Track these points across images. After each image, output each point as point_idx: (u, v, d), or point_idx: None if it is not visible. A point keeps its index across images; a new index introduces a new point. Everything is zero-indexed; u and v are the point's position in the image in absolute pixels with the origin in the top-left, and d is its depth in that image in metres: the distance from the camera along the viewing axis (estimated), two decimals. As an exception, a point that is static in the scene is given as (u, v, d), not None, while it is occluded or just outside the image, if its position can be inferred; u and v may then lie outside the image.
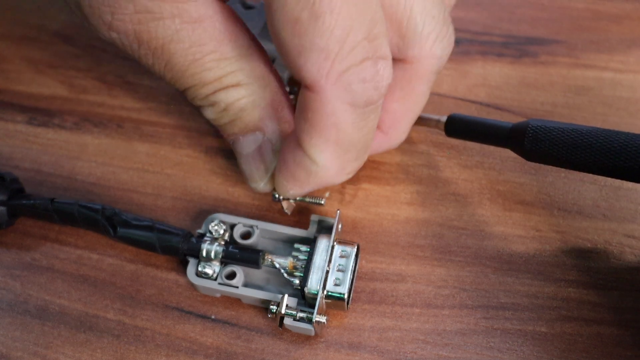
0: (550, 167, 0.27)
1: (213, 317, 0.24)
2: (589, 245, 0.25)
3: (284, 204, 0.25)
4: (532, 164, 0.27)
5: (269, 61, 0.23)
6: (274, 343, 0.23)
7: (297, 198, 0.25)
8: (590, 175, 0.27)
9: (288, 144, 0.22)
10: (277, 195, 0.24)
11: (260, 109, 0.23)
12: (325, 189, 0.27)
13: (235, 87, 0.22)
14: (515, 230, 0.25)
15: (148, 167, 0.28)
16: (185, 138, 0.29)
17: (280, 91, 0.23)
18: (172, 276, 0.25)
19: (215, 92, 0.22)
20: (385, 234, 0.26)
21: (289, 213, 0.25)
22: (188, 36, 0.20)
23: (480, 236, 0.25)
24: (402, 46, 0.22)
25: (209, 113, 0.23)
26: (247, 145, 0.24)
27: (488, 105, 0.29)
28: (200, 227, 0.26)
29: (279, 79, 0.23)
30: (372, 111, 0.20)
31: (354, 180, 0.27)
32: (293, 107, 0.23)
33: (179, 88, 0.22)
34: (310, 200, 0.25)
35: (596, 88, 0.29)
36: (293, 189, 0.23)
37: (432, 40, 0.22)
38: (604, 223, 0.25)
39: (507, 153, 0.27)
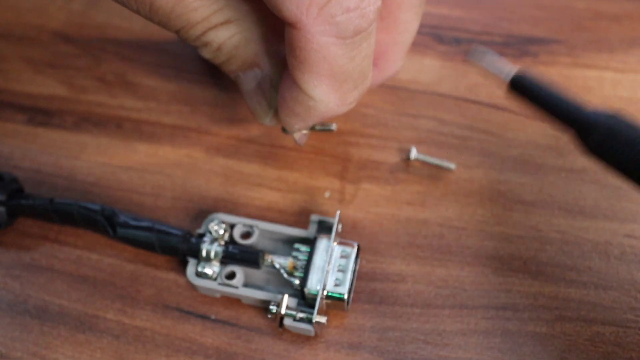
0: (551, 167, 0.27)
1: (213, 317, 0.24)
2: (589, 245, 0.25)
3: (295, 136, 0.24)
4: (533, 164, 0.27)
5: None
6: (273, 343, 0.23)
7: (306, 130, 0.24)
8: (591, 175, 0.27)
9: (284, 80, 0.21)
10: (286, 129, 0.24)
11: (254, 44, 0.22)
12: (326, 187, 0.27)
13: (225, 24, 0.21)
14: (516, 230, 0.25)
15: (148, 167, 0.28)
16: (185, 138, 0.29)
17: (277, 25, 0.22)
18: (172, 276, 0.25)
19: (205, 32, 0.21)
20: (385, 234, 0.26)
21: (302, 144, 0.25)
22: None
23: (480, 236, 0.25)
24: None
25: (205, 53, 0.22)
26: (247, 82, 0.23)
27: (488, 105, 0.29)
28: (199, 227, 0.26)
29: (271, 13, 0.22)
30: (363, 39, 0.19)
31: (354, 180, 0.27)
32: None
33: (169, 31, 0.21)
34: (320, 127, 0.25)
35: (597, 88, 0.29)
36: (297, 124, 0.22)
37: None
38: (604, 223, 0.25)
39: (508, 153, 0.27)
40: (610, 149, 0.20)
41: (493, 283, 0.24)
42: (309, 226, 0.25)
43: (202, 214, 0.26)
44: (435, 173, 0.27)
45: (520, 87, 0.22)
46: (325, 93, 0.20)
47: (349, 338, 0.23)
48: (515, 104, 0.29)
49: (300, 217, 0.26)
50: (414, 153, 0.27)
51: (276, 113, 0.24)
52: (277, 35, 0.22)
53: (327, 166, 0.27)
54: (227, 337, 0.23)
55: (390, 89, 0.30)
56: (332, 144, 0.28)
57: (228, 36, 0.21)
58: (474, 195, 0.26)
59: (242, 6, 0.21)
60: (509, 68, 0.23)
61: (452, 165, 0.27)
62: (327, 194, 0.27)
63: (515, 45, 0.31)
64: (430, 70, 0.30)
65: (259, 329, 0.24)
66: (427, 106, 0.29)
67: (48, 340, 0.24)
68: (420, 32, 0.32)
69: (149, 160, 0.28)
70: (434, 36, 0.32)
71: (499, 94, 0.29)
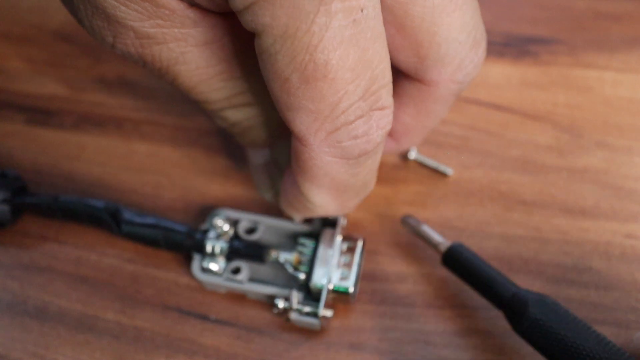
0: (551, 167, 0.27)
1: (213, 317, 0.24)
2: (590, 245, 0.25)
3: (296, 218, 0.25)
4: (533, 164, 0.27)
5: None
6: (273, 343, 0.23)
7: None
8: (592, 175, 0.26)
9: (287, 177, 0.22)
10: None
11: (268, 128, 0.22)
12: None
13: (243, 107, 0.21)
14: (516, 230, 0.25)
15: (148, 167, 0.28)
16: (185, 138, 0.29)
17: None
18: (172, 276, 0.25)
19: (223, 109, 0.21)
20: (385, 234, 0.25)
21: (298, 221, 0.25)
22: (194, 59, 0.19)
23: (481, 236, 0.25)
24: (419, 68, 0.20)
25: (219, 123, 0.22)
26: (255, 158, 0.24)
27: (488, 105, 0.29)
28: (204, 223, 0.26)
29: None
30: (368, 158, 0.19)
31: (354, 180, 0.27)
32: None
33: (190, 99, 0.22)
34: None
35: (597, 88, 0.29)
36: (295, 217, 0.23)
37: (455, 67, 0.20)
38: (605, 223, 0.25)
39: (508, 153, 0.27)
40: (537, 336, 0.20)
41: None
42: (313, 221, 0.25)
43: (202, 214, 0.26)
44: (435, 173, 0.27)
45: (452, 262, 0.23)
46: (326, 201, 0.21)
47: (349, 338, 0.23)
48: (515, 104, 0.29)
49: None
50: (413, 153, 0.27)
51: (277, 192, 0.24)
52: None
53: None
54: (227, 337, 0.23)
55: (390, 89, 0.30)
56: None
57: (244, 117, 0.22)
58: (474, 195, 0.26)
59: (263, 92, 0.21)
60: (442, 240, 0.23)
61: (449, 170, 0.27)
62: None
63: (515, 45, 0.31)
64: (430, 70, 0.30)
65: (259, 329, 0.24)
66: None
67: (47, 340, 0.24)
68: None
69: (149, 160, 0.28)
70: (434, 36, 0.31)
71: (499, 94, 0.29)
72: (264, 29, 0.16)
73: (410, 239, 0.25)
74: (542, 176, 0.27)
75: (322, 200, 0.21)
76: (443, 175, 0.27)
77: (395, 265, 0.25)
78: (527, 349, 0.22)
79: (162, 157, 0.28)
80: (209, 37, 0.19)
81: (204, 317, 0.24)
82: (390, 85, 0.18)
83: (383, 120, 0.18)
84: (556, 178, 0.27)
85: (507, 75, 0.30)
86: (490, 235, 0.25)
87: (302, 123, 0.18)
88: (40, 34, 0.33)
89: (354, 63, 0.16)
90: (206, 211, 0.26)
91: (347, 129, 0.18)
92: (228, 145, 0.28)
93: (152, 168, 0.28)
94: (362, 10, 0.16)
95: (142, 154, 0.28)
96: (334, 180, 0.19)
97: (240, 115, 0.22)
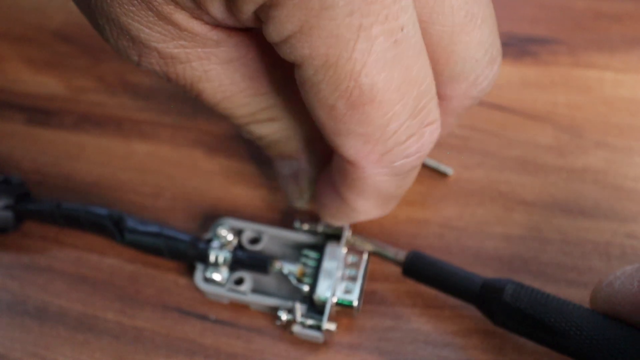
0: (551, 166, 0.27)
1: (213, 317, 0.24)
2: (590, 245, 0.25)
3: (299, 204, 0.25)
4: (533, 164, 0.27)
5: None
6: (273, 344, 0.23)
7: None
8: (592, 175, 0.26)
9: (325, 188, 0.22)
10: None
11: (295, 141, 0.22)
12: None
13: (269, 122, 0.21)
14: (516, 231, 0.25)
15: (148, 167, 0.28)
16: (185, 138, 0.29)
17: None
18: (172, 277, 0.25)
19: (248, 124, 0.21)
20: (385, 234, 0.25)
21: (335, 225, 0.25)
22: (217, 77, 0.19)
23: (481, 236, 0.25)
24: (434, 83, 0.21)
25: (246, 136, 0.23)
26: (283, 168, 0.24)
27: (488, 105, 0.29)
28: (203, 229, 0.26)
29: None
30: (414, 170, 0.19)
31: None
32: None
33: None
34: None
35: (597, 88, 0.29)
36: (336, 223, 0.23)
37: (470, 84, 0.20)
38: (605, 223, 0.25)
39: (508, 153, 0.27)
40: (516, 317, 0.20)
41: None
42: (317, 233, 0.24)
43: (203, 214, 0.26)
44: (435, 173, 0.27)
45: (413, 271, 0.23)
46: (370, 209, 0.21)
47: (349, 338, 0.23)
48: (516, 104, 0.29)
49: (300, 218, 0.26)
50: None
51: (308, 200, 0.25)
52: (319, 134, 0.22)
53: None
54: (227, 338, 0.23)
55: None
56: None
57: (270, 132, 0.22)
58: (474, 195, 0.26)
59: (290, 106, 0.21)
60: (397, 253, 0.23)
61: (449, 170, 0.27)
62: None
63: (515, 44, 0.31)
64: (430, 70, 0.30)
65: (259, 329, 0.24)
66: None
67: (47, 340, 0.24)
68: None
69: (149, 160, 0.28)
70: (434, 36, 0.31)
71: (499, 94, 0.29)
72: (304, 60, 0.16)
73: (409, 239, 0.25)
74: (542, 176, 0.27)
75: (367, 209, 0.21)
76: (443, 175, 0.27)
77: (395, 265, 0.25)
78: (527, 348, 0.22)
79: (162, 157, 0.28)
80: (231, 55, 0.19)
81: (204, 317, 0.24)
82: (436, 98, 0.18)
83: (434, 134, 0.18)
84: (556, 178, 0.27)
85: (507, 75, 0.30)
86: (490, 235, 0.25)
87: (352, 148, 0.18)
88: (40, 34, 0.33)
89: (399, 83, 0.16)
90: (206, 211, 0.26)
91: (399, 149, 0.18)
92: (228, 146, 0.28)
93: (152, 168, 0.28)
94: (402, 30, 0.16)
95: (142, 154, 0.28)
96: (382, 194, 0.20)
97: (266, 129, 0.22)
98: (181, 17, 0.17)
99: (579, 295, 0.24)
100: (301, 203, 0.25)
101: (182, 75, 0.19)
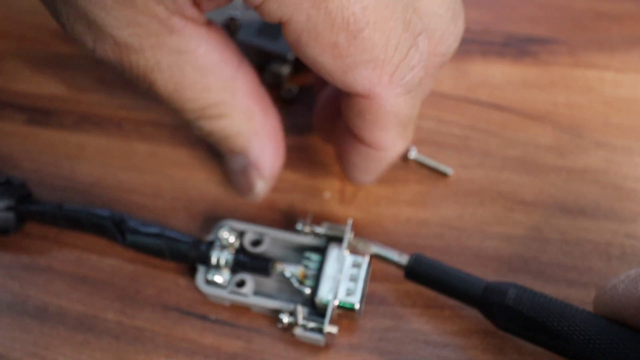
0: (551, 167, 0.27)
1: (213, 317, 0.24)
2: (590, 245, 0.25)
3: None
4: (533, 164, 0.27)
5: (258, 88, 0.23)
6: (273, 344, 0.23)
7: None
8: (592, 175, 0.26)
9: (347, 147, 0.22)
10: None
11: (243, 138, 0.23)
12: (326, 188, 0.27)
13: (217, 118, 0.22)
14: (516, 231, 0.25)
15: (148, 167, 0.28)
16: (185, 138, 0.29)
17: (268, 119, 0.23)
18: (172, 277, 0.25)
19: (197, 119, 0.22)
20: (385, 234, 0.25)
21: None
22: (169, 67, 0.20)
23: (481, 236, 0.25)
24: None
25: (195, 132, 0.23)
26: (233, 163, 0.24)
27: (489, 105, 0.29)
28: (203, 229, 0.26)
29: (265, 106, 0.23)
30: (422, 84, 0.20)
31: (354, 180, 0.27)
32: (280, 131, 0.24)
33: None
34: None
35: (597, 88, 0.29)
36: (370, 179, 0.24)
37: (437, 40, 0.21)
38: (605, 223, 0.25)
39: (508, 153, 0.27)
40: (518, 320, 0.20)
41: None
42: (320, 234, 0.24)
43: (203, 214, 0.26)
44: (435, 173, 0.27)
45: (415, 275, 0.23)
46: (396, 142, 0.22)
47: (349, 338, 0.23)
48: (516, 104, 0.29)
49: (300, 218, 0.26)
50: (413, 153, 0.27)
51: (258, 194, 0.25)
52: (267, 128, 0.23)
53: (327, 166, 0.27)
54: (227, 338, 0.23)
55: (390, 89, 0.30)
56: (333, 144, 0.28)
57: (219, 128, 0.22)
58: (474, 195, 0.26)
59: (239, 103, 0.22)
60: (400, 255, 0.23)
61: (449, 170, 0.27)
62: (327, 194, 0.27)
63: (515, 45, 0.31)
64: (430, 70, 0.30)
65: (259, 329, 0.24)
66: (427, 106, 0.29)
67: (47, 340, 0.24)
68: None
69: (149, 160, 0.28)
70: (434, 36, 0.31)
71: (499, 94, 0.29)
72: (293, 9, 0.16)
73: (409, 239, 0.25)
74: (542, 176, 0.27)
75: (393, 144, 0.21)
76: (443, 175, 0.27)
77: (395, 265, 0.25)
78: (527, 349, 0.22)
79: (162, 157, 0.28)
80: (183, 46, 0.19)
81: (204, 317, 0.24)
82: (415, 10, 0.18)
83: (425, 42, 0.19)
84: (556, 178, 0.27)
85: (507, 75, 0.30)
86: (490, 235, 0.25)
87: (364, 77, 0.18)
88: (40, 34, 0.33)
89: (382, 5, 0.17)
90: (206, 211, 0.26)
91: (405, 63, 0.18)
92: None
93: (152, 168, 0.28)
94: None
95: (142, 154, 0.28)
96: (401, 119, 0.20)
97: (215, 125, 0.22)
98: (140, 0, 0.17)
99: (579, 295, 0.24)
100: (251, 197, 0.25)
101: (136, 65, 0.20)
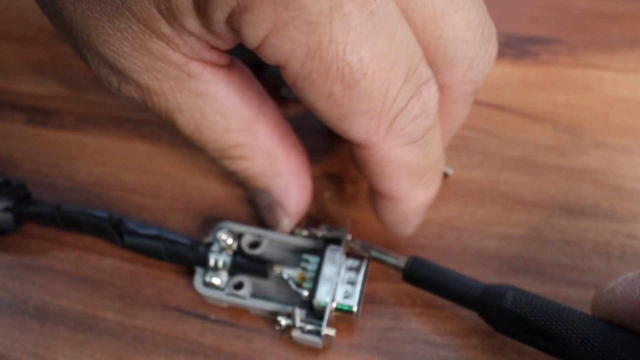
0: (551, 167, 0.27)
1: (213, 317, 0.24)
2: (590, 245, 0.25)
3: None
4: (533, 164, 0.27)
5: (281, 128, 0.22)
6: (274, 344, 0.23)
7: None
8: (592, 175, 0.26)
9: (373, 199, 0.22)
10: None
11: (266, 178, 0.23)
12: (326, 187, 0.27)
13: (239, 159, 0.22)
14: (516, 230, 0.25)
15: (148, 167, 0.28)
16: (185, 138, 0.29)
17: (292, 159, 0.23)
18: (172, 276, 0.25)
19: (220, 158, 0.22)
20: (385, 234, 0.25)
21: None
22: (189, 109, 0.20)
23: (481, 236, 0.25)
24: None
25: (222, 169, 0.23)
26: (258, 199, 0.24)
27: (488, 105, 0.29)
28: (203, 229, 0.26)
29: (289, 145, 0.23)
30: (432, 133, 0.19)
31: (355, 180, 0.27)
32: (308, 170, 0.24)
33: None
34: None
35: (597, 88, 0.29)
36: (408, 229, 0.23)
37: (466, 67, 0.20)
38: (605, 223, 0.25)
39: (508, 153, 0.27)
40: (516, 322, 0.20)
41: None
42: (317, 236, 0.24)
43: (203, 214, 0.26)
44: (435, 173, 0.27)
45: (414, 278, 0.23)
46: (412, 192, 0.21)
47: (349, 338, 0.23)
48: (516, 104, 0.29)
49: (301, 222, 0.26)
50: None
51: (284, 228, 0.24)
52: (291, 167, 0.23)
53: (327, 166, 0.27)
54: (227, 337, 0.23)
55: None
56: (332, 144, 0.28)
57: (241, 169, 0.22)
58: (474, 195, 0.26)
59: (260, 146, 0.22)
60: (398, 258, 0.23)
61: (449, 170, 0.27)
62: (327, 194, 0.27)
63: (515, 45, 0.31)
64: (430, 70, 0.30)
65: (259, 329, 0.24)
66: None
67: (47, 340, 0.24)
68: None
69: (149, 160, 0.28)
70: (434, 36, 0.31)
71: (499, 94, 0.29)
72: (288, 56, 0.16)
73: (409, 239, 0.25)
74: (542, 176, 0.27)
75: (410, 193, 0.21)
76: (443, 175, 0.27)
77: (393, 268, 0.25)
78: (527, 349, 0.22)
79: (162, 157, 0.28)
80: (203, 90, 0.20)
81: (204, 317, 0.24)
82: (424, 59, 0.18)
83: (431, 91, 0.18)
84: (556, 178, 0.27)
85: (507, 75, 0.30)
86: (490, 235, 0.25)
87: (361, 127, 0.18)
88: (40, 34, 0.33)
89: (386, 50, 0.16)
90: (206, 211, 0.26)
91: (404, 114, 0.18)
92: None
93: (152, 168, 0.28)
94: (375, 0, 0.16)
95: (142, 154, 0.28)
96: (410, 168, 0.20)
97: (237, 165, 0.22)
98: (157, 47, 0.18)
99: (579, 296, 0.24)
100: (280, 230, 0.25)
101: (158, 105, 0.20)
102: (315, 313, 0.23)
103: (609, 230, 0.25)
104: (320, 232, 0.24)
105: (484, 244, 0.25)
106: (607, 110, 0.28)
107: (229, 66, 0.20)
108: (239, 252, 0.24)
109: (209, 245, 0.24)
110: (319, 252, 0.24)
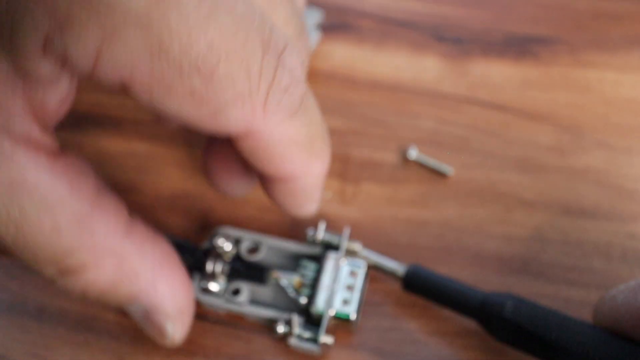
0: (551, 166, 0.27)
1: (213, 318, 0.24)
2: (590, 246, 0.25)
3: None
4: (533, 164, 0.27)
5: (126, 219, 0.19)
6: (274, 345, 0.23)
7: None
8: (593, 175, 0.26)
9: (276, 194, 0.20)
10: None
11: (123, 285, 0.18)
12: (326, 188, 0.27)
13: (82, 270, 0.17)
14: (516, 231, 0.25)
15: (147, 167, 0.28)
16: (185, 138, 0.29)
17: (150, 248, 0.19)
18: (172, 277, 0.25)
19: (59, 276, 0.17)
20: (385, 234, 0.25)
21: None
22: (3, 206, 0.16)
23: (481, 237, 0.25)
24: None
25: (72, 295, 0.20)
26: (132, 313, 0.20)
27: (489, 105, 0.29)
28: (202, 230, 0.26)
29: (140, 237, 0.19)
30: (307, 100, 0.18)
31: (354, 180, 0.27)
32: (174, 256, 0.20)
33: None
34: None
35: (598, 87, 0.29)
36: (308, 210, 0.21)
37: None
38: (606, 223, 0.25)
39: (508, 153, 0.27)
40: (516, 332, 0.20)
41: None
42: (317, 243, 0.24)
43: (202, 214, 0.26)
44: (435, 173, 0.27)
45: (413, 287, 0.23)
46: (309, 165, 0.19)
47: (349, 338, 0.23)
48: (516, 104, 0.29)
49: (300, 218, 0.26)
50: (414, 153, 0.27)
51: (174, 337, 0.21)
52: (151, 259, 0.19)
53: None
54: (227, 339, 0.23)
55: (390, 89, 0.30)
56: (332, 144, 0.28)
57: (89, 284, 0.18)
58: (474, 195, 0.26)
59: (101, 243, 0.18)
60: (397, 266, 0.23)
61: (449, 170, 0.27)
62: (327, 195, 0.27)
63: (516, 44, 0.31)
64: (430, 70, 0.30)
65: (259, 330, 0.24)
66: (427, 106, 0.29)
67: (47, 341, 0.24)
68: (421, 31, 0.32)
69: (149, 160, 0.28)
70: (434, 35, 0.31)
71: (499, 94, 0.29)
72: (131, 66, 0.15)
73: (410, 239, 0.25)
74: (542, 176, 0.27)
75: (307, 167, 0.19)
76: (443, 175, 0.27)
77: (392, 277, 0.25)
78: (527, 349, 0.22)
79: (162, 157, 0.28)
80: (17, 177, 0.16)
81: (204, 317, 0.24)
82: (278, 27, 0.17)
83: (293, 56, 0.17)
84: (557, 178, 0.27)
85: (507, 75, 0.30)
86: (490, 235, 0.25)
87: (237, 117, 0.16)
88: (40, 34, 0.33)
89: (232, 26, 0.15)
90: (206, 212, 0.26)
91: (274, 87, 0.17)
92: (228, 145, 0.28)
93: (152, 168, 0.28)
94: None
95: (142, 154, 0.28)
96: (299, 142, 0.18)
97: (82, 283, 0.18)
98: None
99: (580, 296, 0.24)
100: (170, 341, 0.21)
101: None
102: (313, 320, 0.22)
103: (609, 230, 0.25)
104: (320, 237, 0.24)
105: (484, 244, 0.25)
106: (608, 110, 0.28)
107: (55, 152, 0.17)
108: (237, 258, 0.24)
109: (207, 251, 0.24)
110: (318, 259, 0.24)
